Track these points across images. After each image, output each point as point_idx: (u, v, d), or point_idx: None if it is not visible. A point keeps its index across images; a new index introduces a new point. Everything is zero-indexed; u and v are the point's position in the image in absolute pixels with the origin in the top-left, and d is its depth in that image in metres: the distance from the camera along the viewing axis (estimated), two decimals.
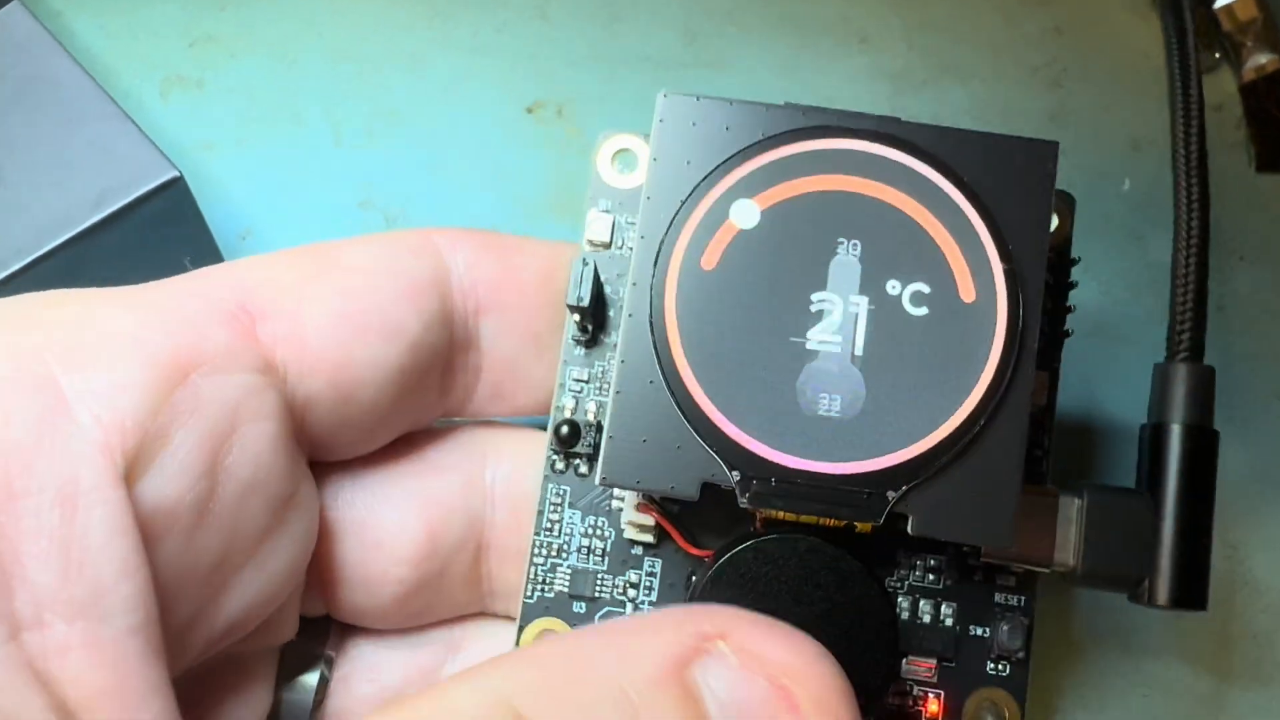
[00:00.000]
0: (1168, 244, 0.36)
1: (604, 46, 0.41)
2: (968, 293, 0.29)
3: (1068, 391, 0.38)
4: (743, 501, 0.29)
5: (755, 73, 0.41)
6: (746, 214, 0.30)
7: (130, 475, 0.26)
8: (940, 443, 0.28)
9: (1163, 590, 0.31)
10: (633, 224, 0.33)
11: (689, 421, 0.29)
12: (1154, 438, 0.33)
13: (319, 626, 0.33)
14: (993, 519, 0.28)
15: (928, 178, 0.30)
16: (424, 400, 0.32)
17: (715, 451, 0.29)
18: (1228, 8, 0.40)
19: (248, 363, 0.28)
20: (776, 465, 0.29)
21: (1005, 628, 0.32)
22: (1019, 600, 0.32)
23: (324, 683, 0.33)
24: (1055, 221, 0.32)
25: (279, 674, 0.33)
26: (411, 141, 0.41)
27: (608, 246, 0.33)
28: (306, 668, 0.33)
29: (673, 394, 0.29)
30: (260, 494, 0.28)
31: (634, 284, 0.30)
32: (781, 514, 0.29)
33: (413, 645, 0.34)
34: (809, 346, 0.29)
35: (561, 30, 0.41)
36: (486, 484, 0.33)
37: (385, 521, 0.32)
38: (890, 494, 0.28)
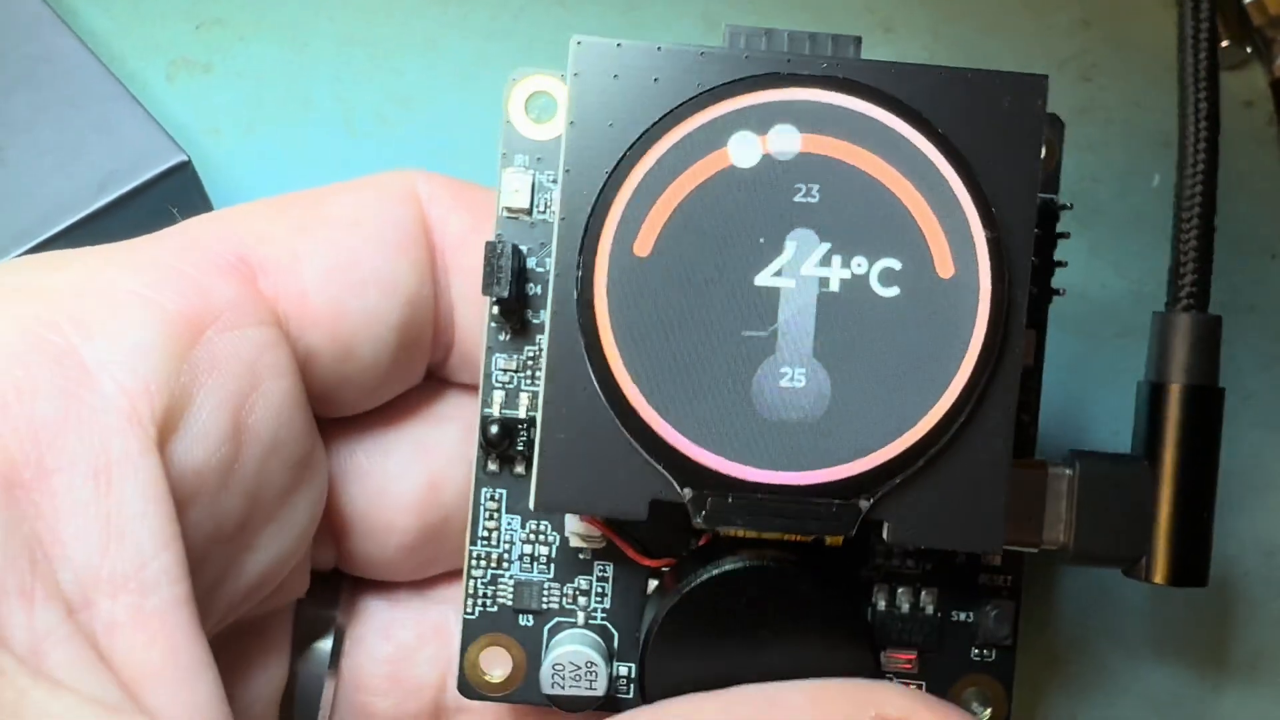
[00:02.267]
0: None
1: (622, 33, 0.40)
2: (945, 267, 0.26)
3: (1094, 393, 0.37)
4: (698, 521, 0.26)
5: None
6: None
7: (160, 441, 0.25)
8: (917, 442, 0.26)
9: (1161, 567, 0.29)
10: (554, 182, 0.29)
11: (630, 434, 0.26)
12: (1152, 398, 0.30)
13: (330, 588, 0.33)
14: (980, 522, 0.26)
15: (895, 130, 0.26)
16: (418, 358, 0.32)
17: (663, 467, 0.26)
18: (1259, 2, 0.39)
19: (258, 316, 0.28)
20: (733, 479, 0.26)
21: (991, 613, 0.30)
22: (1005, 580, 0.30)
23: (338, 646, 0.33)
24: (1042, 153, 0.27)
25: (294, 638, 0.33)
26: (424, 128, 0.40)
27: (528, 213, 0.30)
28: (320, 632, 0.33)
29: (610, 403, 0.26)
30: (280, 454, 0.28)
31: (557, 274, 0.26)
32: (741, 531, 0.27)
33: (423, 603, 0.34)
34: (764, 340, 0.26)
35: (579, 16, 0.41)
36: None
37: (388, 470, 0.32)
38: (863, 503, 0.26)
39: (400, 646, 0.33)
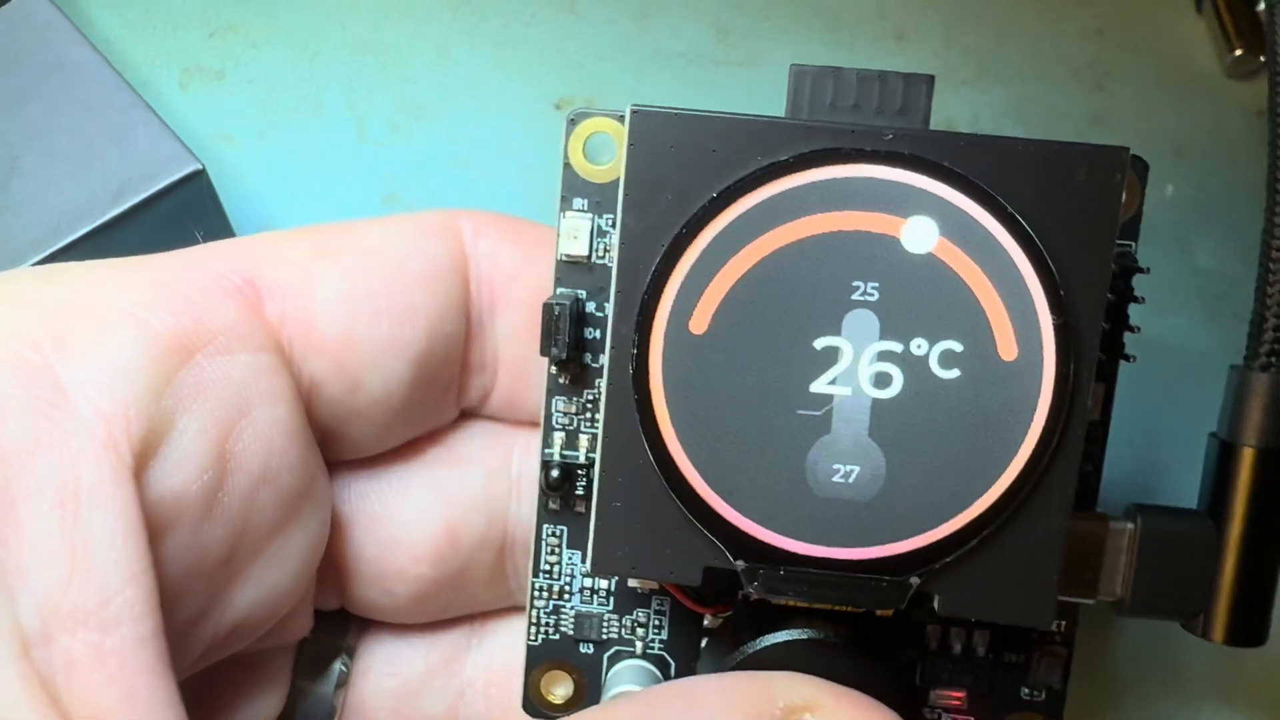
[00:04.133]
0: (1213, 251, 0.35)
1: (634, 41, 0.40)
2: (1008, 350, 0.25)
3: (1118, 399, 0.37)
4: (749, 590, 0.26)
5: (788, 71, 0.40)
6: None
7: (136, 468, 0.24)
8: (971, 522, 0.25)
9: (1220, 625, 0.29)
10: (612, 227, 0.29)
11: (684, 506, 0.26)
12: (1222, 455, 0.30)
13: (338, 618, 0.33)
14: (1031, 598, 0.26)
15: (961, 209, 0.25)
16: (439, 397, 0.31)
17: (716, 538, 0.26)
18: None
19: (256, 341, 0.27)
20: (785, 552, 0.26)
21: (1042, 660, 0.30)
22: (1059, 627, 0.30)
23: (344, 676, 0.32)
24: (1123, 196, 0.26)
25: (298, 666, 0.32)
26: (437, 136, 0.40)
27: (587, 260, 0.29)
28: (326, 660, 0.32)
29: (664, 475, 0.26)
30: (272, 485, 0.27)
31: (613, 347, 0.26)
32: (792, 602, 0.27)
33: (434, 636, 0.33)
34: (819, 418, 0.25)
35: (591, 24, 0.41)
36: (512, 477, 0.32)
37: (402, 517, 0.31)
38: (913, 580, 0.26)
39: (407, 681, 0.33)
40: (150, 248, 0.29)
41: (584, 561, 0.27)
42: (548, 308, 0.28)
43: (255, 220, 0.39)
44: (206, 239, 0.36)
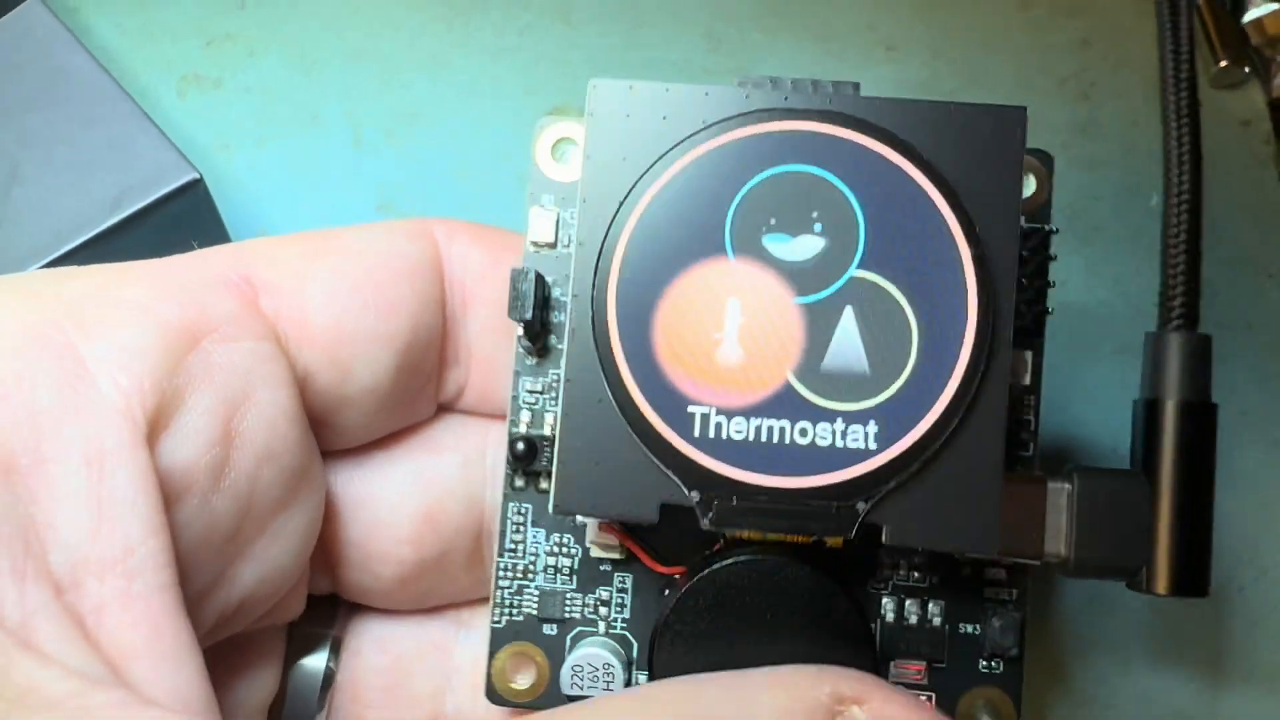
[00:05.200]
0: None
1: (627, 51, 0.41)
2: (936, 282, 0.27)
3: (1092, 409, 0.37)
4: (705, 523, 0.27)
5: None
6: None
7: (150, 437, 0.26)
8: (912, 446, 0.27)
9: (1162, 577, 0.29)
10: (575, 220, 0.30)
11: (641, 441, 0.27)
12: (1148, 414, 0.31)
13: (327, 607, 0.34)
14: (975, 523, 0.27)
15: (886, 158, 0.28)
16: (421, 388, 0.32)
17: (671, 471, 0.27)
18: (1257, 22, 0.39)
19: (256, 331, 0.29)
20: (737, 482, 0.27)
21: (997, 624, 0.30)
22: (1010, 594, 0.31)
23: (332, 662, 0.33)
24: (1033, 185, 0.31)
25: (290, 648, 0.33)
26: (431, 144, 0.41)
27: (553, 246, 0.31)
28: (315, 647, 0.33)
29: (622, 412, 0.27)
30: (274, 463, 0.29)
31: (575, 295, 0.28)
32: (747, 534, 0.28)
33: (422, 620, 0.34)
34: None
35: (584, 34, 0.41)
36: (487, 466, 0.33)
37: (385, 500, 0.32)
38: (860, 505, 0.27)
39: (397, 658, 0.34)
40: (149, 255, 0.30)
41: (548, 506, 0.28)
42: (514, 272, 0.30)
43: (252, 226, 0.40)
44: (203, 246, 0.36)
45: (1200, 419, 0.30)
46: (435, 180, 0.40)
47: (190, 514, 0.27)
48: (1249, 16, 0.39)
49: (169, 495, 0.26)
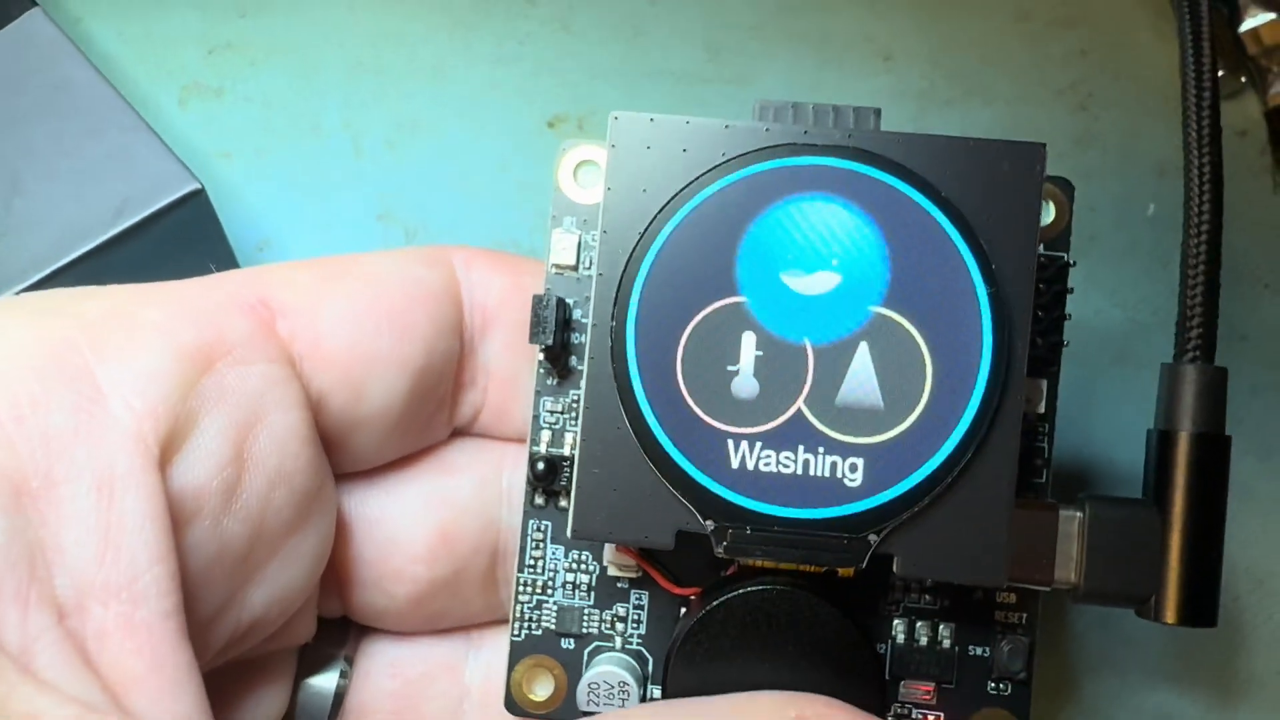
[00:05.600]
0: None
1: (627, 60, 0.41)
2: (951, 320, 0.28)
3: (1088, 419, 0.37)
4: (719, 551, 0.28)
5: (777, 89, 0.41)
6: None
7: (162, 461, 0.26)
8: (923, 481, 0.27)
9: (1171, 607, 0.30)
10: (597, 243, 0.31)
11: (658, 470, 0.28)
12: (1161, 445, 0.31)
13: (338, 628, 0.34)
14: (984, 556, 0.27)
15: (905, 195, 0.28)
16: (435, 412, 0.32)
17: (687, 500, 0.28)
18: (1253, 31, 0.39)
19: (270, 354, 0.29)
20: (751, 513, 0.28)
21: (1006, 648, 0.31)
22: (1019, 618, 0.31)
23: (343, 683, 0.33)
24: (1052, 213, 0.31)
25: (300, 670, 0.33)
26: (432, 154, 0.41)
27: (574, 269, 0.32)
28: (325, 669, 0.33)
29: (639, 441, 0.28)
30: (287, 485, 0.29)
31: (594, 325, 0.28)
32: (760, 562, 0.29)
33: (433, 642, 0.34)
34: None
35: (584, 43, 0.41)
36: (502, 487, 0.33)
37: (399, 520, 0.32)
38: (871, 537, 0.27)
39: (408, 682, 0.34)
40: (150, 265, 0.30)
41: (567, 532, 0.28)
42: (536, 298, 0.30)
43: (253, 236, 0.40)
44: (206, 256, 0.37)
45: (1213, 451, 0.31)
46: (436, 189, 0.40)
47: (201, 536, 0.27)
48: (1245, 26, 0.39)
49: (180, 517, 0.27)
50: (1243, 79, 0.40)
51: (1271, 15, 0.39)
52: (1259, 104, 0.40)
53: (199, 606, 0.27)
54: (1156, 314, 0.38)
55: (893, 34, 0.41)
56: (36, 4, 0.38)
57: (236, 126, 0.41)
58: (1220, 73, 0.39)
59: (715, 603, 0.29)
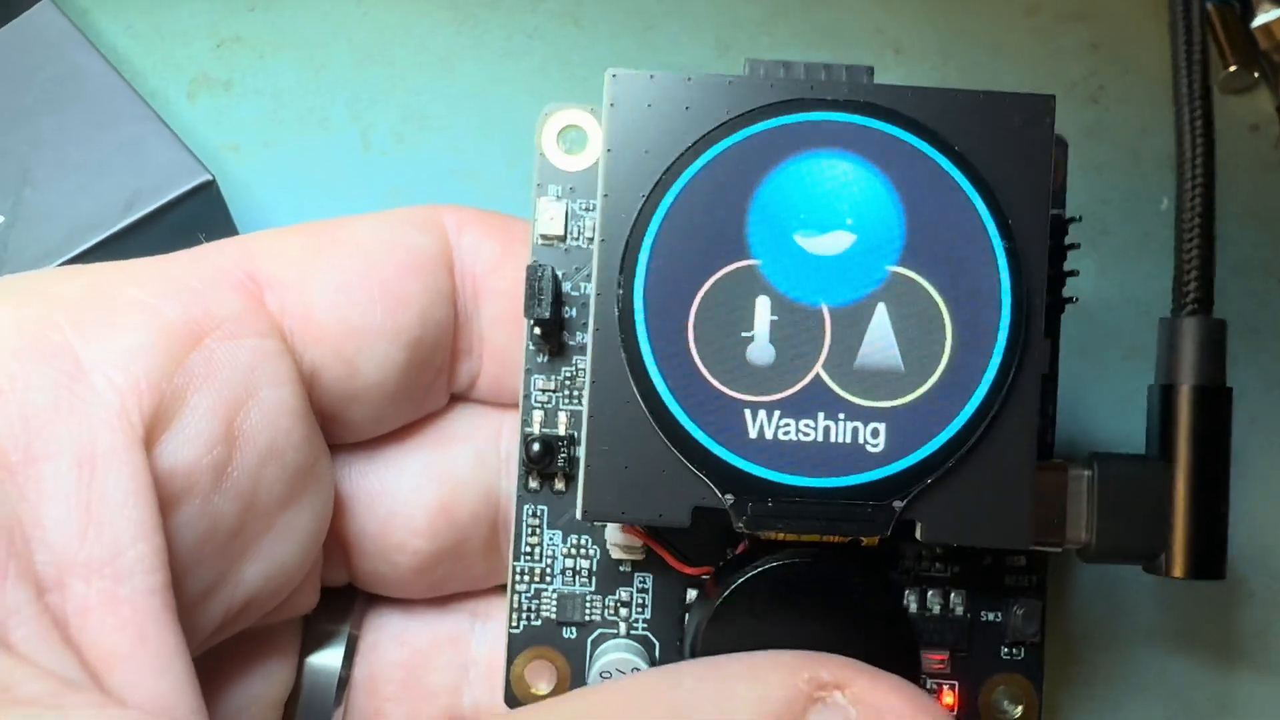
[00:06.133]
0: None
1: (636, 54, 0.41)
2: (970, 276, 0.27)
3: (1104, 415, 0.37)
4: (738, 525, 0.27)
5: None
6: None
7: (148, 438, 0.26)
8: (947, 442, 0.27)
9: (1179, 561, 0.30)
10: (587, 210, 0.31)
11: (671, 443, 0.27)
12: (1163, 400, 0.31)
13: (343, 600, 0.34)
14: (1007, 518, 0.27)
15: (915, 148, 0.27)
16: (432, 381, 0.32)
17: (703, 474, 0.27)
18: (1265, 27, 0.39)
19: (260, 328, 0.29)
20: (771, 484, 0.27)
21: (1019, 611, 0.31)
22: (1030, 581, 0.31)
23: (350, 655, 0.33)
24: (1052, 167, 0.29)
25: (306, 643, 0.33)
26: (440, 147, 0.41)
27: (562, 239, 0.31)
28: (331, 642, 0.33)
29: (651, 414, 0.27)
30: (278, 461, 0.29)
31: (598, 294, 0.27)
32: (780, 535, 0.28)
33: (439, 612, 0.34)
34: None
35: (594, 37, 0.41)
36: (501, 456, 0.33)
37: (399, 493, 0.32)
38: (896, 503, 0.27)
39: (415, 652, 0.34)
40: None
41: (577, 514, 0.27)
42: (531, 269, 0.29)
43: (261, 228, 0.40)
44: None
45: (1215, 403, 0.31)
46: (444, 183, 0.40)
47: (193, 514, 0.27)
48: (1258, 21, 0.39)
49: (171, 496, 0.26)
50: (1255, 74, 0.40)
51: None
52: (1271, 99, 0.40)
53: (191, 584, 0.27)
54: (1169, 309, 0.38)
55: (903, 27, 0.41)
56: None
57: (245, 119, 0.41)
58: (1232, 68, 0.39)
59: (738, 581, 0.28)
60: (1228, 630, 0.38)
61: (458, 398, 0.33)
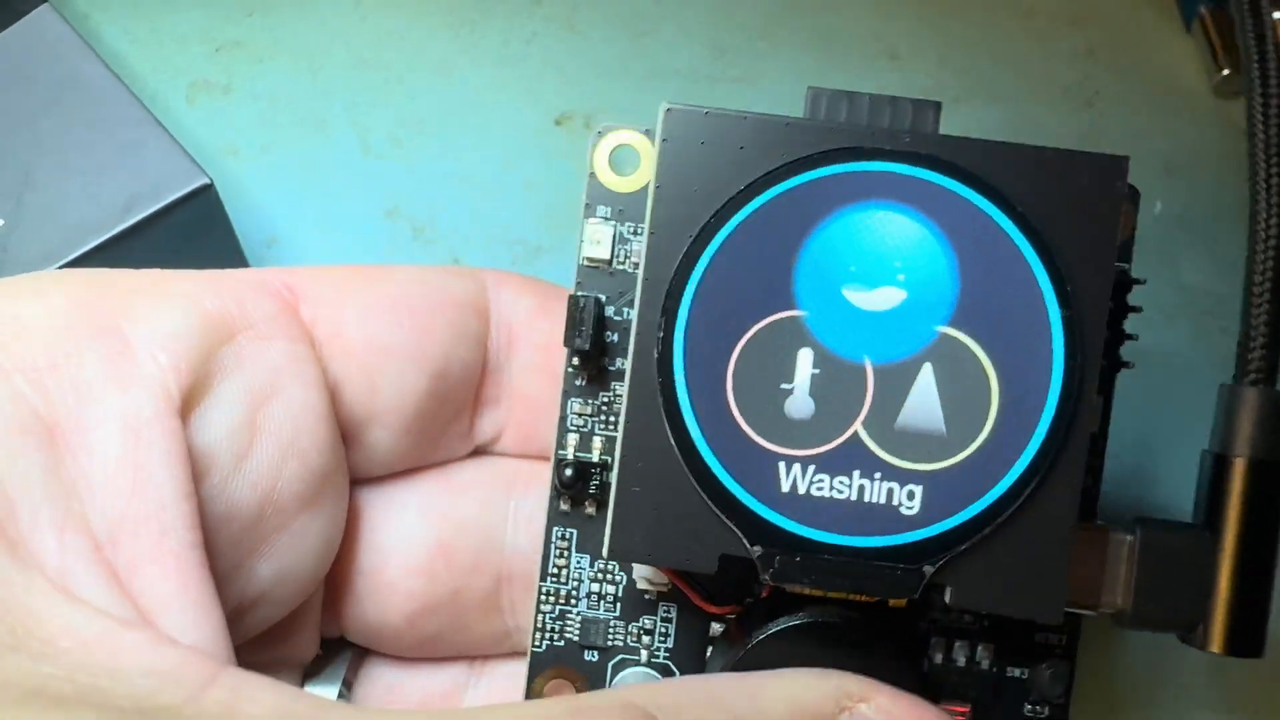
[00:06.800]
0: (1200, 268, 0.36)
1: (633, 59, 0.41)
2: (1022, 343, 0.26)
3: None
4: (764, 578, 0.27)
5: (784, 88, 0.41)
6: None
7: (183, 412, 0.28)
8: (983, 511, 0.26)
9: (1217, 636, 0.29)
10: (635, 234, 0.30)
11: (703, 490, 0.27)
12: (1215, 469, 0.30)
13: (338, 650, 0.34)
14: (1040, 591, 0.26)
15: (974, 205, 0.26)
16: (452, 420, 0.33)
17: (733, 524, 0.27)
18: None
19: (291, 333, 0.30)
20: (801, 539, 0.27)
21: (1046, 671, 0.30)
22: (1060, 640, 0.30)
23: (342, 699, 0.33)
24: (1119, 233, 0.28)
25: None
26: (439, 151, 0.41)
27: (608, 263, 0.30)
28: (326, 690, 0.33)
29: (684, 459, 0.27)
30: (300, 460, 0.29)
31: (638, 332, 0.27)
32: (807, 590, 0.28)
33: (433, 669, 0.34)
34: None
35: (590, 41, 0.41)
36: (509, 509, 0.33)
37: (398, 529, 0.32)
38: (926, 568, 0.26)
39: (406, 706, 0.34)
40: (160, 260, 0.30)
41: (602, 551, 0.27)
42: (573, 299, 0.29)
43: (260, 232, 0.40)
44: (214, 252, 0.37)
45: (1270, 478, 0.30)
46: (443, 187, 0.40)
47: (210, 493, 0.28)
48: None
49: (194, 472, 0.27)
50: None
51: None
52: None
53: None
54: (1163, 312, 0.38)
55: (899, 32, 0.41)
56: (46, 0, 0.38)
57: (244, 123, 0.41)
58: (1226, 71, 0.40)
59: (763, 636, 0.28)
60: (1271, 706, 0.38)
61: (481, 451, 0.34)
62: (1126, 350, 0.30)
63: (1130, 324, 0.30)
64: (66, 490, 0.26)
